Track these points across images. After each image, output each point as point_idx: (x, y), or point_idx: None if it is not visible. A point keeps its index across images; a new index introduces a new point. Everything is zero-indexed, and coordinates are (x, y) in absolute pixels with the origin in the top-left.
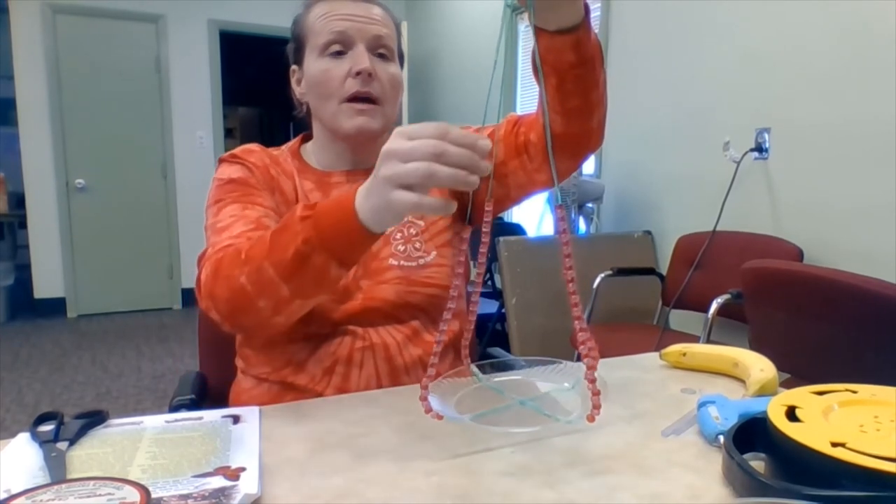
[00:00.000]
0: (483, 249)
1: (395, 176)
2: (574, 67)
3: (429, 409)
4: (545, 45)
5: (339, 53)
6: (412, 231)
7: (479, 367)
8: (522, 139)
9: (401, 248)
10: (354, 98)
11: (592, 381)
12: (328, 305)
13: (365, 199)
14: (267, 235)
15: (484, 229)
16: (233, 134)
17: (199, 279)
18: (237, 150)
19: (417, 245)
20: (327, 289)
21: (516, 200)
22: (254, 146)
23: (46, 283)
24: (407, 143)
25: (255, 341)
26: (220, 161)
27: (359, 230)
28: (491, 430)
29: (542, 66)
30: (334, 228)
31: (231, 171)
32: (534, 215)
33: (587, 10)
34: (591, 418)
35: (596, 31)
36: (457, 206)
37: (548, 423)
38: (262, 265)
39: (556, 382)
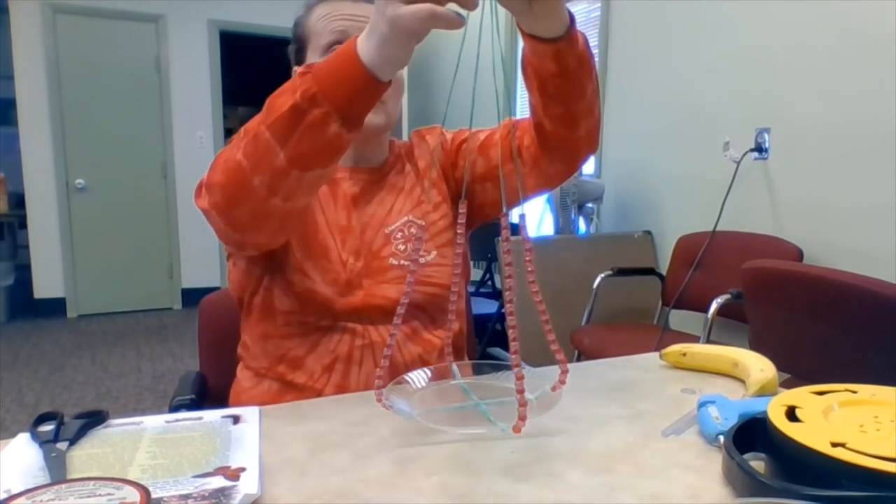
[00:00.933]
0: (459, 250)
1: None
2: (554, 77)
3: (379, 399)
4: (529, 48)
5: None
6: (413, 230)
7: (476, 365)
8: (517, 143)
9: (401, 247)
10: None
11: (521, 391)
12: (329, 296)
13: (367, 38)
14: (267, 102)
15: (459, 230)
16: (233, 134)
17: (198, 185)
18: None
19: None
20: (326, 155)
21: (512, 204)
22: None
23: (46, 283)
24: None
25: (254, 330)
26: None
27: (362, 75)
28: (431, 427)
29: (527, 68)
30: (335, 76)
31: None
32: (534, 215)
33: (572, 21)
34: (516, 429)
35: (596, 30)
36: (464, 26)
37: (489, 427)
38: (258, 131)
39: (533, 389)
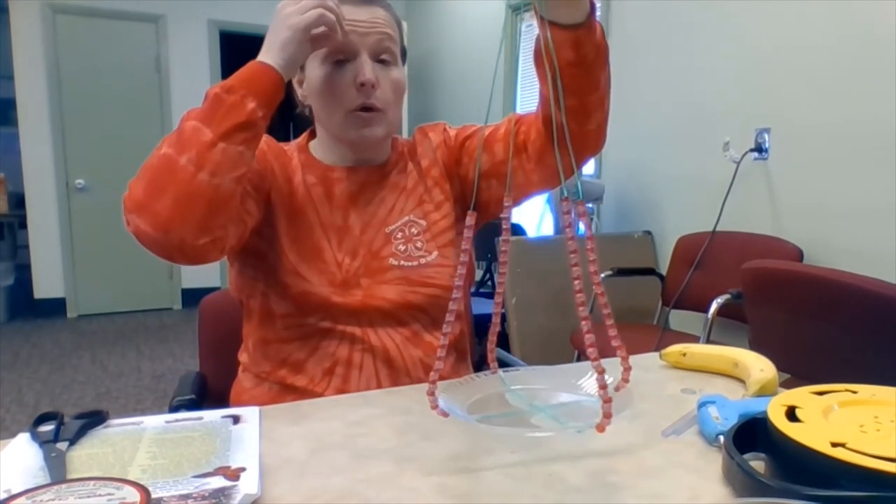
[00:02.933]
0: (504, 248)
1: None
2: (570, 66)
3: (435, 406)
4: (546, 35)
5: (342, 62)
6: (413, 231)
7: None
8: (522, 138)
9: (401, 247)
10: (358, 109)
11: (603, 387)
12: (326, 295)
13: (268, 49)
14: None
15: (504, 225)
16: None
17: (124, 210)
18: None
19: (419, 245)
20: (246, 129)
21: (516, 200)
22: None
23: (46, 283)
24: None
25: (254, 335)
26: None
27: (267, 70)
28: (496, 432)
29: (540, 57)
30: (247, 76)
31: None
32: (534, 215)
33: (593, 8)
34: (600, 428)
35: None
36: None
37: (557, 430)
38: (183, 126)
39: (578, 391)
